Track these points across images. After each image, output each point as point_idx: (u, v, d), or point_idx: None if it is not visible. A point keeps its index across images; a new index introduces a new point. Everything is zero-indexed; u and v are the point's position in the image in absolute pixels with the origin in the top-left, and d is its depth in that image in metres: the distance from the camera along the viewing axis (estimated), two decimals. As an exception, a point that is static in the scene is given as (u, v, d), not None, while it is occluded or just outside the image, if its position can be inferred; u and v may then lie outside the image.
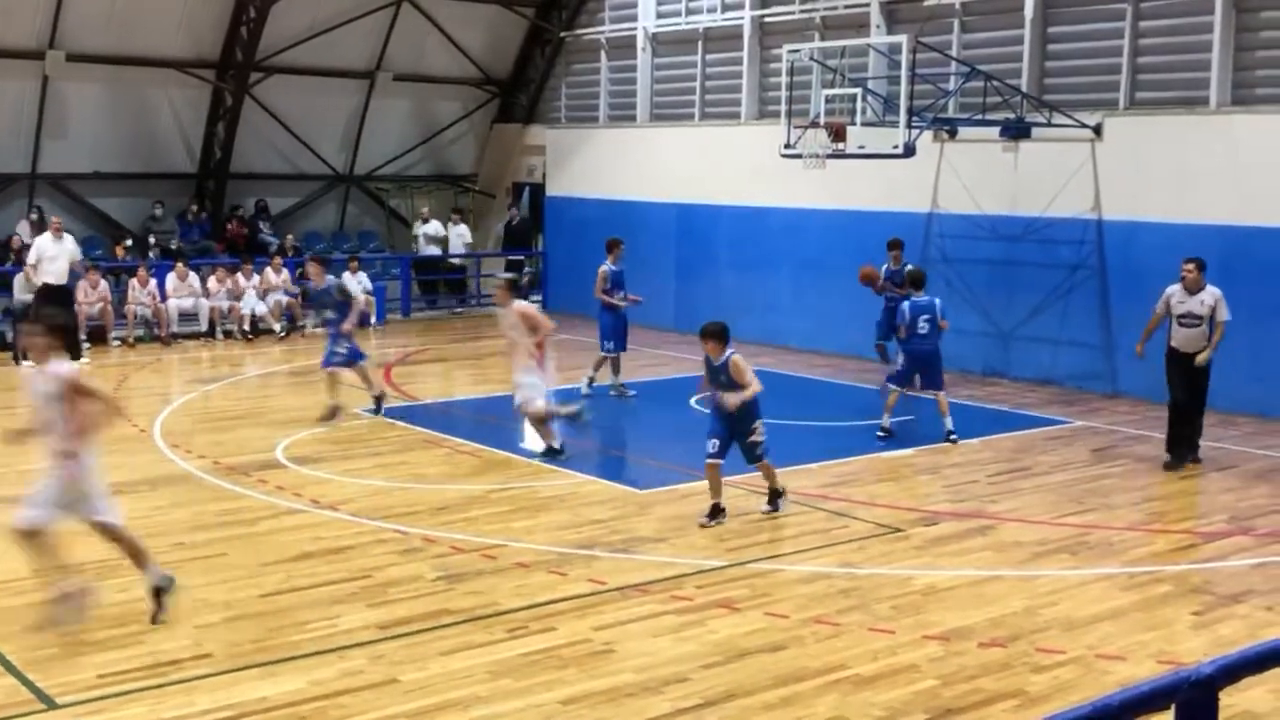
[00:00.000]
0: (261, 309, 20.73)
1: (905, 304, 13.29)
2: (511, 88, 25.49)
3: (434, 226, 24.44)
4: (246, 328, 20.50)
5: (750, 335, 17.36)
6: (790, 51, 16.38)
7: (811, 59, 16.02)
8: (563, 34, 24.28)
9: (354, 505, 10.30)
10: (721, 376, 9.86)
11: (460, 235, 24.49)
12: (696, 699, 6.62)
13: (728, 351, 9.83)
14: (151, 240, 22.12)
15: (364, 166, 24.93)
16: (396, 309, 23.44)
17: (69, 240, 18.30)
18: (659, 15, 22.57)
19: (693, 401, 14.15)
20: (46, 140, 21.40)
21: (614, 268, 15.57)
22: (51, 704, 6.43)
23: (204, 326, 20.40)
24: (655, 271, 20.93)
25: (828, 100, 15.49)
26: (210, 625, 7.59)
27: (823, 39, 18.83)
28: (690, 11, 22.03)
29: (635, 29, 22.89)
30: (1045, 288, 16.65)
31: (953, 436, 12.84)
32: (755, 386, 9.84)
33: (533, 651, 7.24)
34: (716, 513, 10.02)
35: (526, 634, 7.51)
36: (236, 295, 20.75)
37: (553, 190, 24.53)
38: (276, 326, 20.63)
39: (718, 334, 9.91)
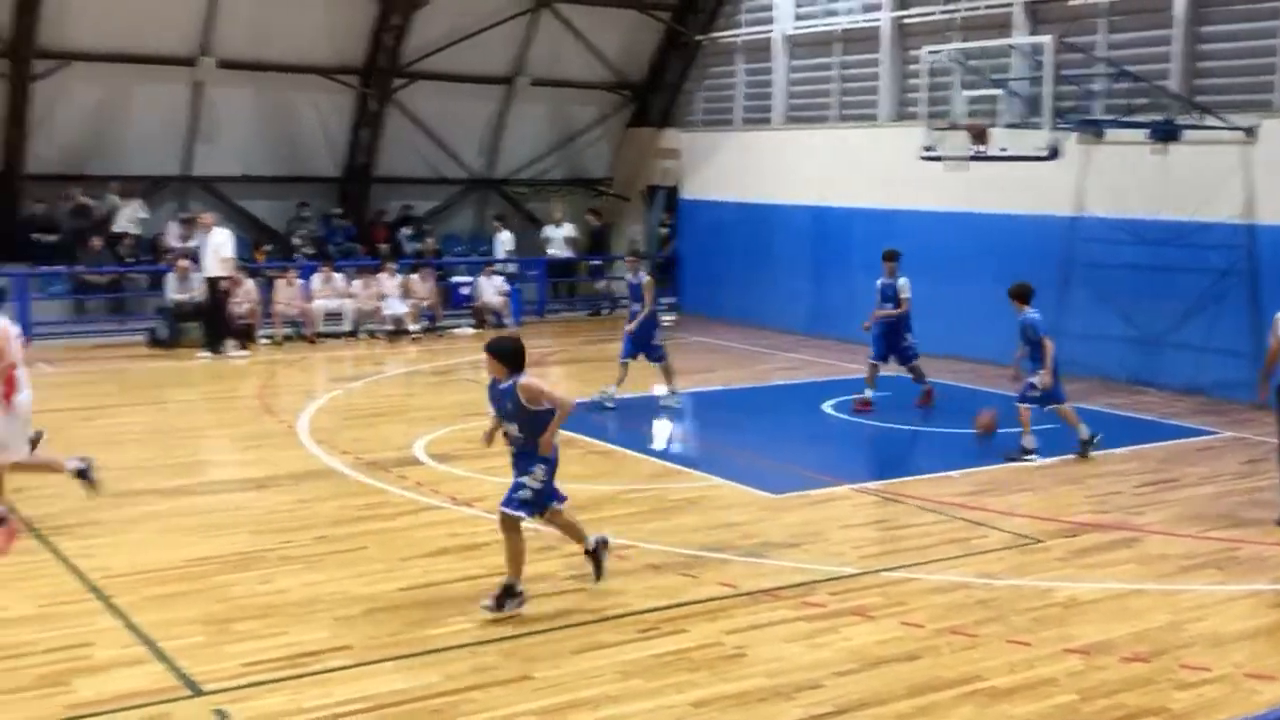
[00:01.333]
0: (402, 310, 21.14)
1: (1035, 317, 12.68)
2: (646, 91, 25.58)
3: (568, 229, 24.66)
4: (388, 328, 20.93)
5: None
6: (930, 53, 16.16)
7: (952, 60, 15.77)
8: (698, 37, 24.30)
9: (490, 503, 10.40)
10: (508, 404, 7.87)
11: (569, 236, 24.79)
12: (829, 706, 6.56)
13: (518, 376, 7.84)
14: (296, 242, 22.72)
15: (502, 170, 25.27)
16: (531, 310, 23.75)
17: (219, 235, 18.97)
18: (796, 17, 22.45)
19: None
20: (198, 144, 22.15)
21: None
22: (198, 690, 6.64)
23: (348, 326, 20.90)
24: (789, 274, 20.84)
25: (969, 102, 15.24)
26: (349, 618, 7.75)
27: (964, 40, 18.52)
28: (828, 13, 21.88)
29: (771, 31, 22.81)
30: (1193, 294, 16.12)
31: (1096, 439, 12.50)
32: (564, 404, 7.90)
33: (663, 653, 7.25)
34: (508, 595, 7.83)
35: (657, 635, 7.53)
36: (379, 296, 21.21)
37: (687, 193, 24.56)
38: (415, 327, 21.02)
39: (503, 353, 7.87)
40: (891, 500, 10.66)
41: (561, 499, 8.19)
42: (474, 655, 7.17)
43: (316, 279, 20.87)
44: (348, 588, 8.32)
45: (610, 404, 14.63)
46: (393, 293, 21.28)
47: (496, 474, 11.39)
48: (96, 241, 20.80)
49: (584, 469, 11.81)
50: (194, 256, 19.65)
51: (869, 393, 14.63)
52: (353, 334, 20.82)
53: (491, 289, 22.37)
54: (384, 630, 7.55)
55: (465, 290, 22.91)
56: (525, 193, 25.76)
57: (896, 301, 14.95)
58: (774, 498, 10.92)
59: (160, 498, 10.59)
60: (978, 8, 19.04)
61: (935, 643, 7.45)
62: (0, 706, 6.36)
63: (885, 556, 9.23)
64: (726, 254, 23.31)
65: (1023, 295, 12.62)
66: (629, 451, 12.60)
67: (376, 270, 21.51)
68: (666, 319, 16.52)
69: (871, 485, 11.19)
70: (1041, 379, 12.28)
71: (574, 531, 8.45)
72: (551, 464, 8.02)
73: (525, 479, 7.95)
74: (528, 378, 7.87)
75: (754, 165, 22.79)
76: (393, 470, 11.56)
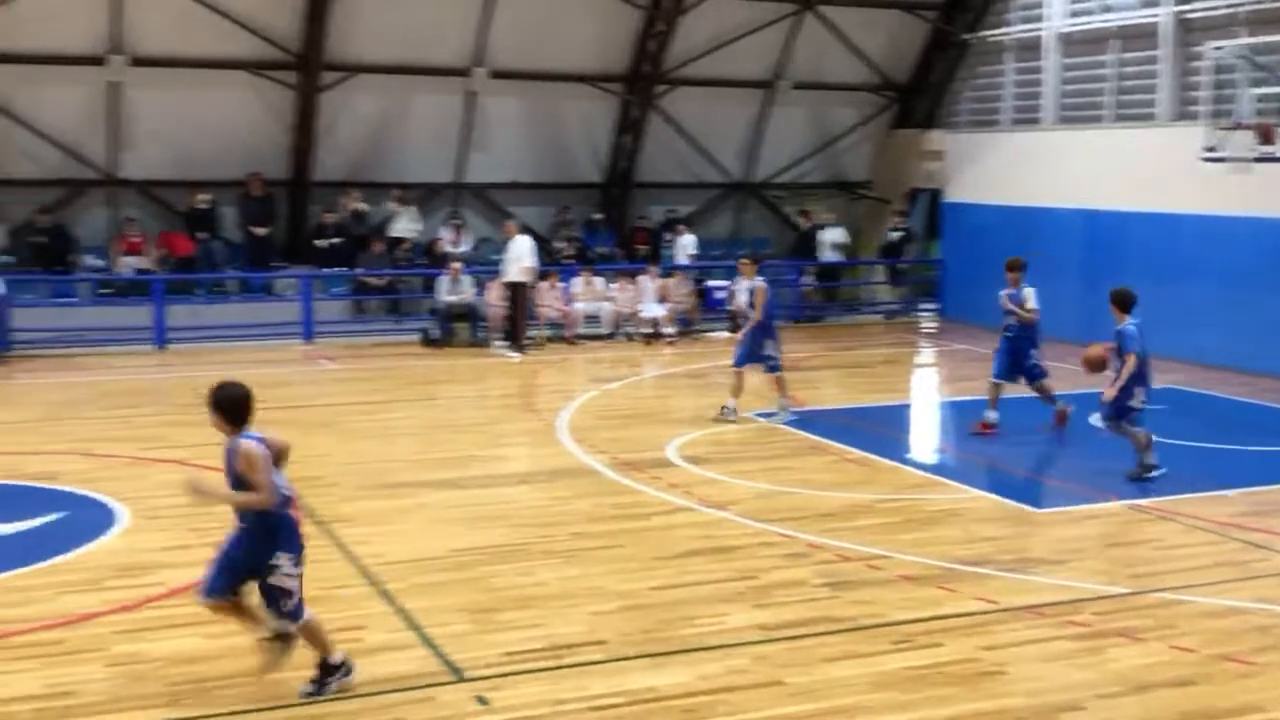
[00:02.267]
0: (659, 313, 21.43)
1: (1130, 330, 11.36)
2: (910, 92, 25.14)
3: (837, 233, 24.39)
4: (646, 331, 21.26)
5: (1163, 349, 16.36)
6: (1214, 49, 15.32)
7: (1238, 56, 14.91)
8: (966, 36, 23.73)
9: (741, 507, 10.46)
10: (228, 463, 6.63)
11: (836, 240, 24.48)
12: (1091, 730, 6.31)
13: (239, 435, 6.60)
14: (559, 246, 23.33)
15: (760, 174, 25.30)
16: (788, 315, 23.68)
17: (521, 243, 19.75)
18: (1070, 14, 21.66)
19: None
20: (471, 152, 23.02)
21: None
22: (460, 676, 6.90)
23: (607, 329, 21.34)
24: (1059, 279, 20.06)
25: (1256, 100, 14.38)
26: (605, 613, 7.91)
27: (1251, 35, 17.47)
28: (1104, 9, 21.02)
29: (1042, 29, 22.07)
30: None
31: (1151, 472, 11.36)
32: (260, 498, 6.46)
33: (918, 666, 7.11)
34: (328, 673, 6.69)
35: (912, 648, 7.39)
36: (637, 300, 21.57)
37: (951, 196, 24.01)
38: (671, 330, 21.26)
39: (220, 403, 6.67)
40: (1163, 518, 10.15)
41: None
42: (726, 657, 7.20)
43: (577, 282, 21.39)
44: (603, 583, 8.49)
45: (731, 417, 14.03)
46: (651, 296, 21.59)
47: (748, 477, 11.43)
48: (376, 245, 21.90)
49: (839, 477, 11.70)
50: (465, 260, 20.49)
51: (992, 414, 13.49)
52: (610, 336, 21.24)
53: (747, 293, 22.38)
54: (637, 627, 7.67)
55: (721, 294, 23.04)
56: (784, 196, 25.71)
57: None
58: (1036, 512, 10.57)
59: (429, 490, 11.04)
60: (1265, 1, 17.92)
61: (1209, 670, 7.05)
62: (277, 682, 6.75)
63: (1154, 577, 8.79)
64: (991, 258, 22.60)
65: (1123, 303, 11.45)
66: (885, 460, 12.41)
67: (637, 274, 21.87)
68: (929, 325, 16.14)
69: (1141, 502, 10.68)
70: (1107, 392, 11.32)
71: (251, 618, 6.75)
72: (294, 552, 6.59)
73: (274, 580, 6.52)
74: (249, 446, 6.49)
75: (1022, 167, 22.09)
76: (647, 471, 11.72)
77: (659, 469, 11.84)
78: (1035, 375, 13.66)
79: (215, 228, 21.66)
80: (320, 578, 8.49)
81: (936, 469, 12.42)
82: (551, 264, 22.35)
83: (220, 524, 9.70)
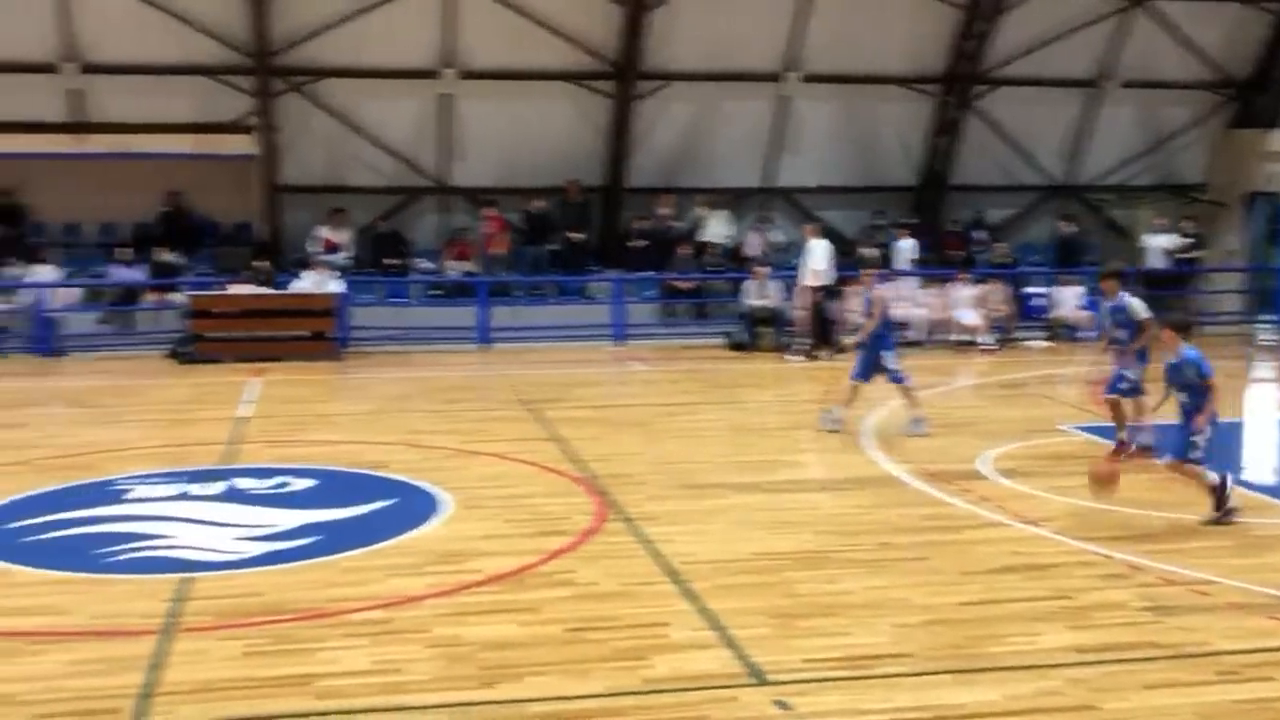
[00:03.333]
0: (974, 320, 20.87)
1: (1192, 355, 10.21)
2: (1251, 90, 23.56)
3: (1168, 239, 23.12)
4: (959, 338, 20.74)
5: None
6: None
7: None
8: (1315, 28, 22.07)
9: (1057, 524, 10.04)
10: None
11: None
12: None
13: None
14: (869, 252, 23.05)
15: (1083, 176, 24.26)
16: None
17: (816, 246, 19.76)
18: None
19: None
20: (783, 156, 23.08)
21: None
22: (762, 679, 6.91)
23: (917, 336, 20.94)
24: None
25: None
26: (909, 626, 7.75)
27: None
28: None
29: (1406, 17, 20.28)
30: None
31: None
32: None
33: (1244, 700, 6.64)
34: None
35: (1238, 680, 6.90)
36: (950, 306, 21.08)
37: (1298, 199, 22.39)
38: (988, 339, 20.67)
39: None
40: None
41: None
42: (1039, 678, 6.93)
43: (887, 288, 21.06)
44: (909, 595, 8.32)
45: (835, 426, 13.63)
46: (965, 303, 21.05)
47: (1065, 493, 10.96)
48: (684, 249, 22.26)
49: (1163, 495, 11.06)
50: (771, 264, 20.58)
51: (1126, 436, 12.47)
52: (919, 344, 20.83)
53: (1072, 301, 21.52)
54: (944, 642, 7.48)
55: (1039, 301, 22.22)
56: (1108, 199, 24.56)
57: (1134, 327, 12.40)
58: (1389, 542, 9.69)
59: (734, 492, 11.12)
60: None
61: None
62: (587, 671, 6.95)
63: None
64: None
65: (1181, 327, 10.39)
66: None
67: (947, 280, 21.38)
68: (1269, 337, 14.96)
69: None
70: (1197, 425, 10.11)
71: None
72: None
73: None
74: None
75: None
76: (955, 483, 11.42)
77: (969, 481, 11.52)
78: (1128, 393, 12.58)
79: (548, 233, 22.55)
80: (626, 573, 8.70)
81: (1273, 491, 11.57)
82: (859, 269, 22.11)
83: (532, 516, 10.11)
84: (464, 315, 21.07)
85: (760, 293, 20.55)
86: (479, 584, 8.48)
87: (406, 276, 22.16)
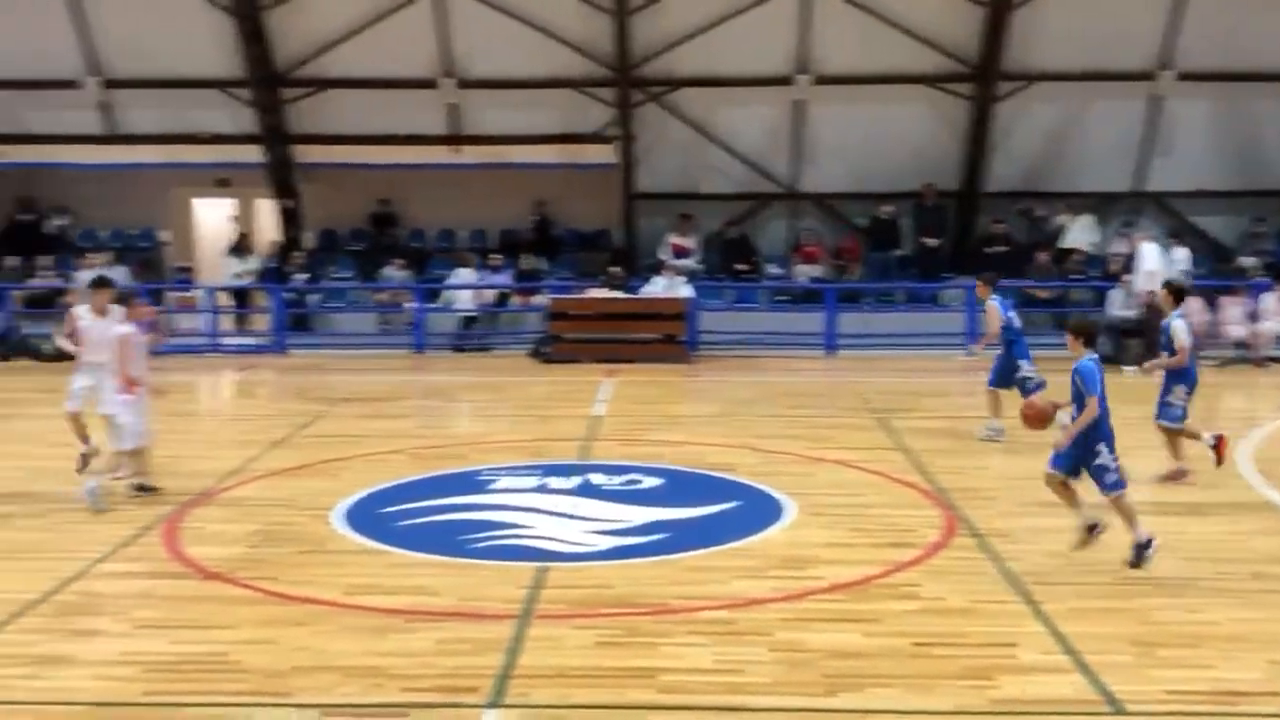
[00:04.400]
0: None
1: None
2: None
3: None
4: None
5: None
6: None
7: None
8: None
9: None
10: None
11: None
12: None
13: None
14: (1248, 261, 21.53)
15: None
16: None
17: (1146, 250, 18.69)
18: None
19: None
20: (1154, 158, 21.88)
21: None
22: (1119, 709, 6.56)
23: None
24: None
25: None
26: (1285, 664, 7.19)
27: None
28: None
29: None
30: None
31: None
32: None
33: None
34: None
35: None
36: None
37: None
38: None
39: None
40: None
41: None
42: None
43: (1269, 299, 19.59)
44: (1283, 631, 7.71)
45: (995, 436, 13.33)
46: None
47: None
48: (1043, 256, 21.44)
49: None
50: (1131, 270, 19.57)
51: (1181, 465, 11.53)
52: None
53: None
54: (1327, 685, 6.88)
55: None
56: None
57: (1172, 352, 11.45)
58: None
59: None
60: None
61: None
62: (930, 689, 6.81)
63: None
64: None
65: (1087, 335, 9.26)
66: None
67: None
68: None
69: None
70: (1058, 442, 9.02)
71: None
72: None
73: None
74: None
75: None
76: (1346, 511, 10.49)
77: (1359, 511, 10.55)
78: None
79: (896, 239, 22.29)
80: (974, 590, 8.46)
81: None
82: (1236, 278, 20.69)
83: (877, 526, 10.00)
84: (811, 321, 21.09)
85: (1127, 303, 19.52)
86: (822, 591, 8.46)
87: (754, 282, 22.40)
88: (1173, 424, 11.63)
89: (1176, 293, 11.71)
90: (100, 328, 11.33)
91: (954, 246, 22.54)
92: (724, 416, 15.46)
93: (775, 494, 11.05)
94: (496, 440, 13.85)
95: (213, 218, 25.05)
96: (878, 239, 22.35)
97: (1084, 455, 8.87)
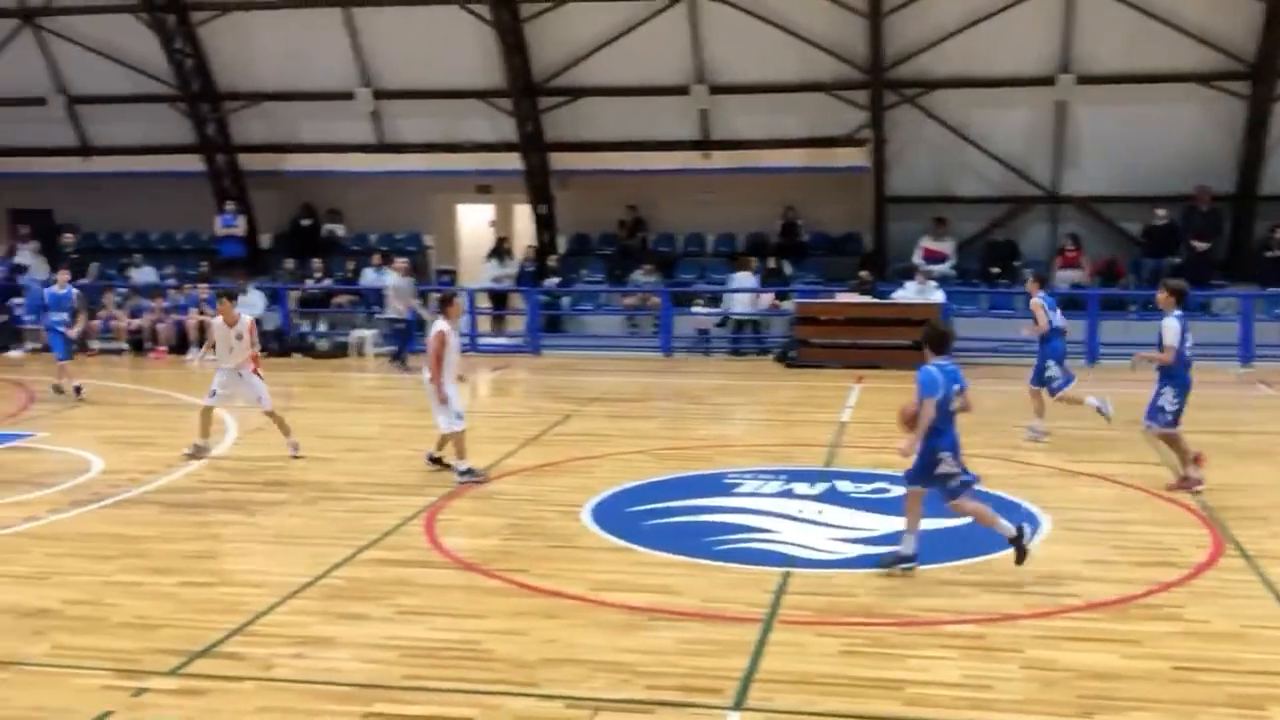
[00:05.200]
0: None
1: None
2: None
3: None
4: None
5: None
6: None
7: None
8: None
9: None
10: None
11: None
12: None
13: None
14: None
15: None
16: None
17: None
18: None
19: None
20: None
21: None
22: None
23: None
24: None
25: None
26: None
27: None
28: None
29: None
30: None
31: None
32: None
33: None
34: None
35: None
36: None
37: None
38: None
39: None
40: None
41: None
42: None
43: None
44: None
45: (1038, 437, 13.71)
46: None
47: None
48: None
49: None
50: None
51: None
52: None
53: None
54: None
55: None
56: None
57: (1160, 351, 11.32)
58: None
59: None
60: None
61: None
62: (1194, 714, 6.46)
63: None
64: None
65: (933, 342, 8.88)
66: None
67: None
68: None
69: None
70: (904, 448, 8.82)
71: None
72: None
73: None
74: None
75: None
76: None
77: None
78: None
79: (1174, 245, 21.26)
80: (1244, 614, 8.01)
81: None
82: None
83: (1138, 544, 9.55)
84: (1071, 329, 20.27)
85: None
86: (1077, 609, 8.14)
87: (1012, 287, 21.74)
88: (1162, 429, 11.46)
89: (1176, 293, 11.55)
90: (225, 333, 13.06)
91: (1228, 252, 21.36)
92: (976, 425, 15.00)
93: (1029, 507, 10.70)
94: (742, 444, 13.87)
95: (473, 222, 26.01)
96: (1154, 245, 21.34)
97: (927, 464, 8.71)
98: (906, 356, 19.52)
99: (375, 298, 22.33)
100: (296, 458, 12.81)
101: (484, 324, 23.82)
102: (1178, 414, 11.42)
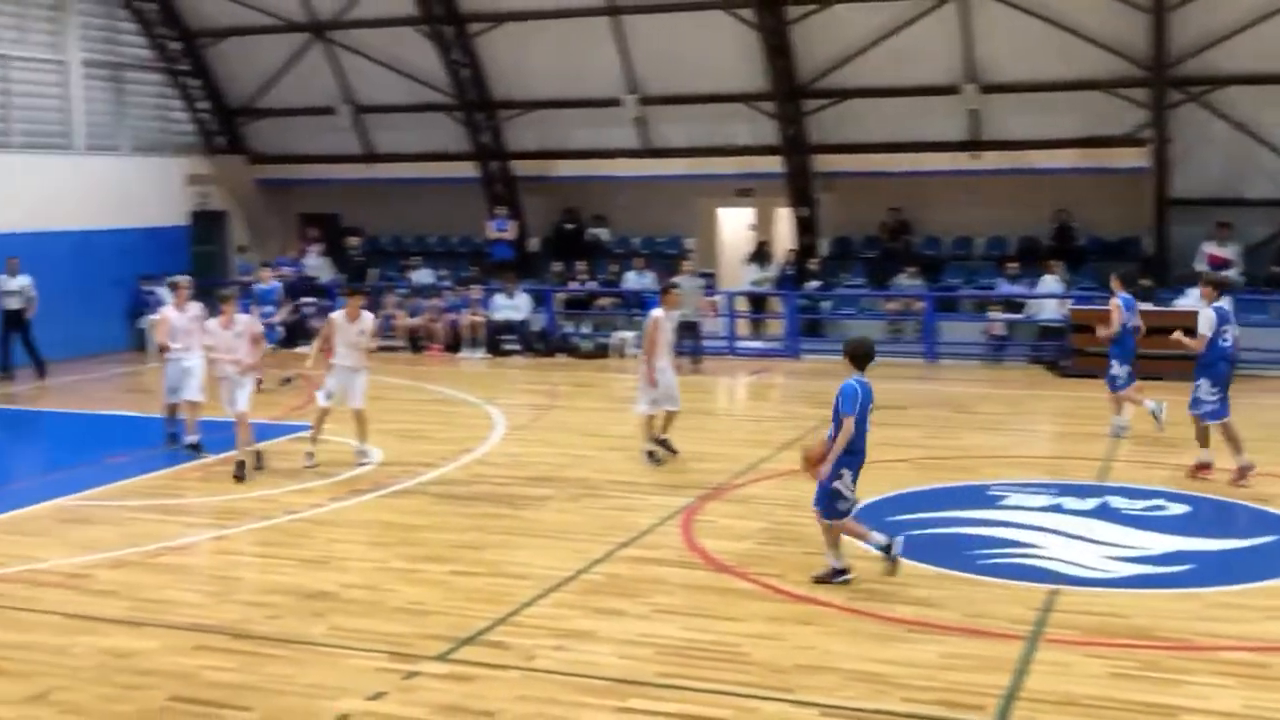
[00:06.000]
0: None
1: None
2: None
3: None
4: None
5: None
6: None
7: None
8: None
9: None
10: None
11: None
12: None
13: None
14: None
15: None
16: None
17: None
18: None
19: None
20: None
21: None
22: None
23: None
24: None
25: None
26: None
27: None
28: None
29: None
30: None
31: None
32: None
33: None
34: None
35: None
36: None
37: None
38: None
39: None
40: None
41: None
42: None
43: None
44: None
45: (1119, 433, 14.03)
46: None
47: None
48: None
49: None
50: None
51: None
52: None
53: None
54: None
55: None
56: None
57: None
58: None
59: None
60: None
61: None
62: None
63: None
64: None
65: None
66: None
67: None
68: None
69: None
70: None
71: None
72: None
73: None
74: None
75: None
76: None
77: None
78: None
79: None
80: None
81: None
82: None
83: None
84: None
85: None
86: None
87: (1305, 296, 20.36)
88: (1209, 420, 11.71)
89: (1215, 285, 12.38)
90: (347, 329, 12.92)
91: None
92: (1262, 441, 14.14)
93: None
94: (1008, 455, 13.46)
95: (734, 225, 26.11)
96: None
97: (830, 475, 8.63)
98: (1189, 366, 18.58)
99: (636, 300, 22.63)
100: (310, 468, 12.74)
101: (742, 327, 23.87)
102: (1220, 403, 11.71)
